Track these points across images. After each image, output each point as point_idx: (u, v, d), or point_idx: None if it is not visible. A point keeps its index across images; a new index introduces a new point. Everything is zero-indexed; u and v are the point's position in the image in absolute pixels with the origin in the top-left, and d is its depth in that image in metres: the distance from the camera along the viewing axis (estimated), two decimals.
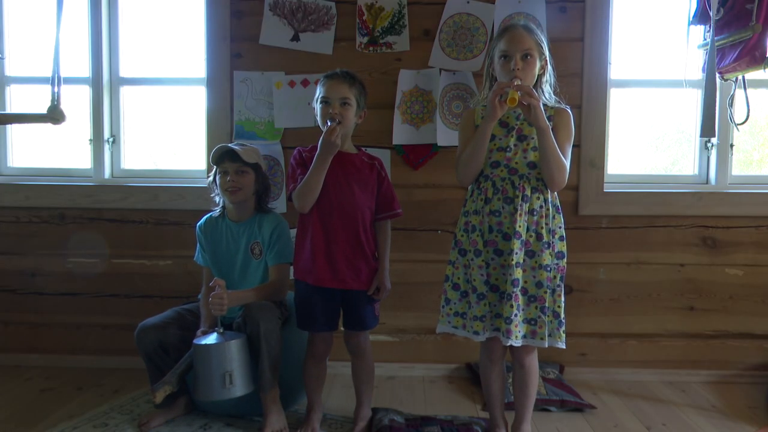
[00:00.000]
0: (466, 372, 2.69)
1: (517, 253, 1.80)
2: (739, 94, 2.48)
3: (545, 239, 1.83)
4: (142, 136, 2.88)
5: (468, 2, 2.59)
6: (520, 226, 1.81)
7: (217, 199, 2.30)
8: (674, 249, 2.66)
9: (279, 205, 2.63)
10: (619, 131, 2.77)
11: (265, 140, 2.65)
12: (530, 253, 1.83)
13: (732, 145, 2.70)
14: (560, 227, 1.87)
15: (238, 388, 1.96)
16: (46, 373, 2.64)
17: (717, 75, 2.34)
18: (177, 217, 2.68)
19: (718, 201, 2.63)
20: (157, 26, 2.83)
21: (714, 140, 2.67)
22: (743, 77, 2.45)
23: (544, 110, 1.83)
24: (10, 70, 2.83)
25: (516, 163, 1.85)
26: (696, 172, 2.76)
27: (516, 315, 1.80)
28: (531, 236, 1.83)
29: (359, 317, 2.06)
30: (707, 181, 2.74)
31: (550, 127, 1.82)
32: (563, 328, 1.85)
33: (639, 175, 2.79)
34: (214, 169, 2.24)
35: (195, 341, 2.00)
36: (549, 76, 1.91)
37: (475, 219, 1.89)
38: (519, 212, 1.81)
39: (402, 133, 2.63)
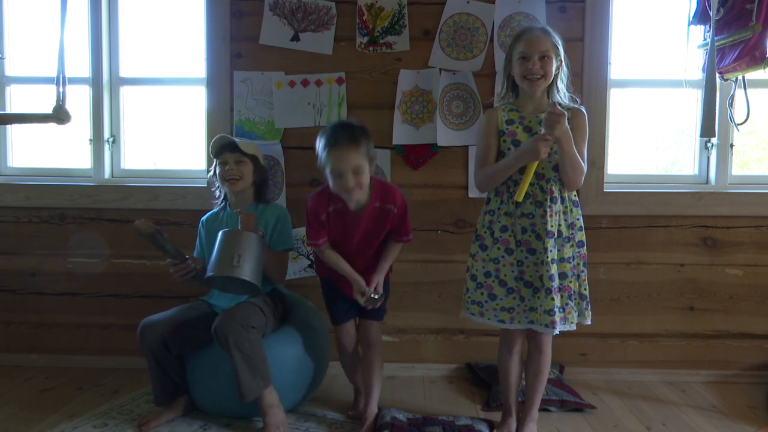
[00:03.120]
0: (466, 372, 2.69)
1: (551, 251, 1.92)
2: (739, 94, 2.48)
3: (565, 234, 1.95)
4: (142, 136, 2.88)
5: (468, 2, 2.59)
6: (552, 226, 1.92)
7: (217, 193, 2.35)
8: (674, 249, 2.66)
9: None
10: (619, 131, 2.77)
11: (265, 140, 2.65)
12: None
13: (732, 145, 2.70)
14: (578, 219, 2.00)
15: (244, 270, 2.02)
16: (46, 373, 2.64)
17: (717, 75, 2.34)
18: (177, 217, 2.68)
19: (718, 201, 2.63)
20: (157, 26, 2.83)
21: (714, 140, 2.67)
22: (743, 77, 2.45)
23: None
24: (10, 70, 2.83)
25: (542, 168, 1.93)
26: (696, 172, 2.77)
27: (557, 306, 1.93)
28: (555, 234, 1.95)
29: (372, 310, 2.13)
30: (707, 181, 2.74)
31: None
32: (589, 306, 2.01)
33: (639, 175, 2.79)
34: (215, 163, 2.29)
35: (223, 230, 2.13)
36: (563, 76, 1.97)
37: (506, 220, 1.98)
38: (550, 213, 1.92)
39: (402, 133, 2.63)
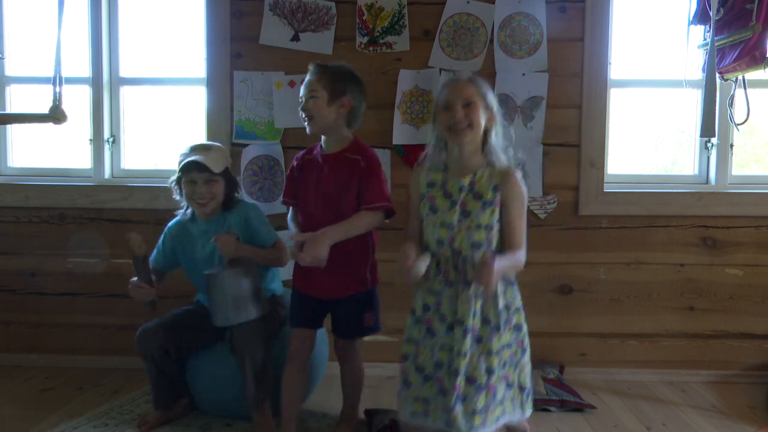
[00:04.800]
0: None
1: (460, 341, 1.65)
2: (739, 94, 2.48)
3: (493, 323, 1.67)
4: (142, 136, 2.88)
5: (468, 2, 2.59)
6: (463, 314, 1.66)
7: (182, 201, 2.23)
8: (674, 249, 2.66)
9: (279, 207, 2.62)
10: (619, 131, 2.77)
11: (265, 140, 2.65)
12: (478, 339, 1.68)
13: (732, 145, 2.70)
14: (514, 298, 1.73)
15: (248, 312, 2.00)
16: (46, 373, 2.64)
17: (717, 75, 2.34)
18: None
19: (718, 201, 2.63)
20: (157, 26, 2.83)
21: (714, 140, 2.67)
22: (743, 77, 2.45)
23: (491, 175, 1.70)
24: (10, 70, 2.83)
25: (459, 243, 1.70)
26: (696, 172, 2.76)
27: (459, 407, 1.64)
28: (477, 322, 1.67)
29: (343, 325, 2.01)
30: (707, 181, 2.74)
31: (499, 198, 1.69)
32: (530, 397, 1.75)
33: (639, 175, 2.79)
34: (178, 174, 2.15)
35: (205, 272, 2.05)
36: (498, 131, 1.74)
37: (429, 298, 1.76)
38: (461, 298, 1.67)
39: (402, 133, 2.63)
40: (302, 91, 1.96)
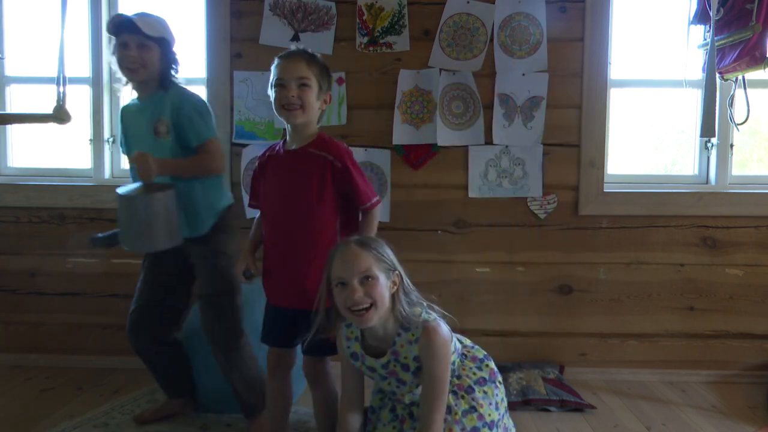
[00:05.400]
0: None
1: None
2: (739, 94, 2.48)
3: None
4: None
5: (468, 2, 2.59)
6: None
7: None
8: (674, 249, 2.66)
9: None
10: (619, 131, 2.77)
11: (265, 140, 2.65)
12: None
13: (732, 145, 2.70)
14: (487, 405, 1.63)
15: (158, 240, 1.86)
16: (46, 373, 2.64)
17: (717, 75, 2.34)
18: None
19: (718, 201, 2.63)
20: None
21: (714, 140, 2.67)
22: (743, 77, 2.45)
23: (409, 342, 1.58)
24: (10, 70, 2.83)
25: (410, 400, 1.66)
26: (696, 172, 2.76)
27: None
28: None
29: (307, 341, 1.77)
30: (707, 181, 2.74)
31: (419, 360, 1.58)
32: None
33: (639, 175, 2.79)
34: (113, 41, 1.93)
35: (118, 190, 1.87)
36: (404, 291, 1.61)
37: None
38: None
39: (402, 133, 2.63)
40: (284, 73, 1.73)
